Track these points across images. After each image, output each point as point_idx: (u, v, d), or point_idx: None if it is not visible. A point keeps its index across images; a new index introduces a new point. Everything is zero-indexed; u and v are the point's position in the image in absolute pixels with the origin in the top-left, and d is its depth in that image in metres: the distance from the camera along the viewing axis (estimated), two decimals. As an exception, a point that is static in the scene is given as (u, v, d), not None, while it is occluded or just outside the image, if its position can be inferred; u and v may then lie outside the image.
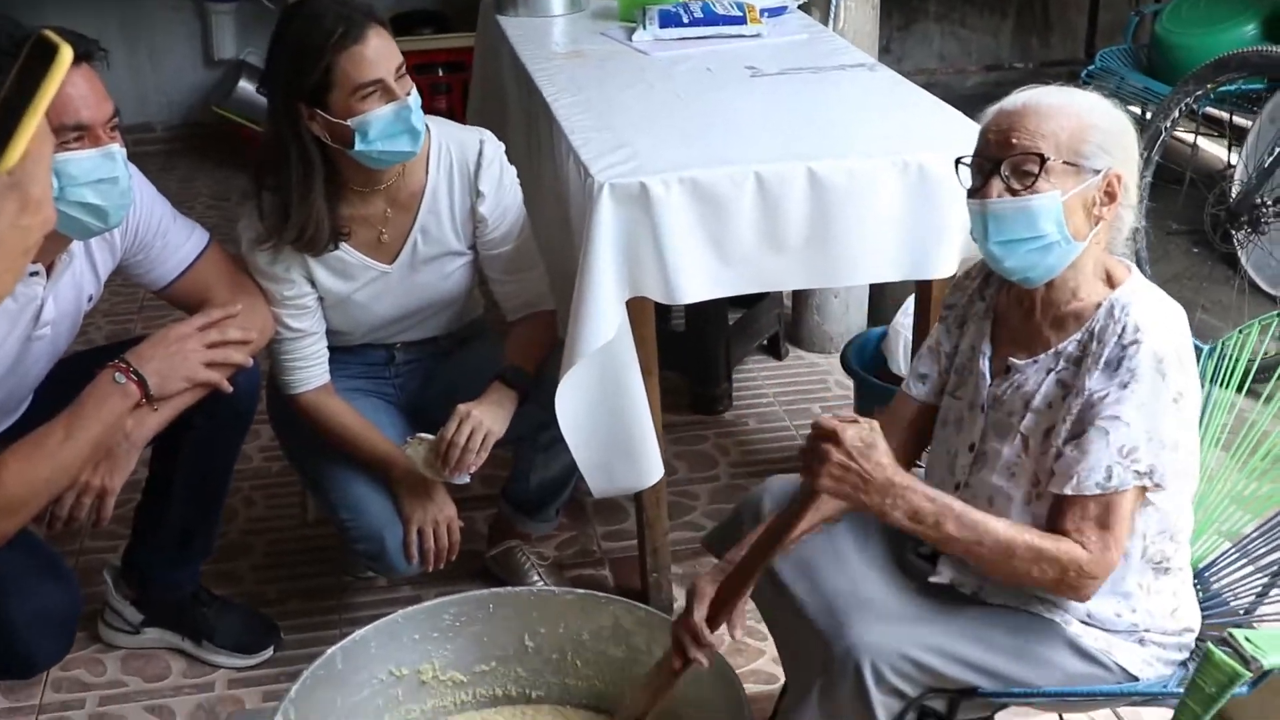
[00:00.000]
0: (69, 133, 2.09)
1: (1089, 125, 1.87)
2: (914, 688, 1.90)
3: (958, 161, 1.96)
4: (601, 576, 3.09)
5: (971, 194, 1.92)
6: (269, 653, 2.82)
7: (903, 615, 1.99)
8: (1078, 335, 1.92)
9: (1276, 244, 3.87)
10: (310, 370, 2.64)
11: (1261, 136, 4.06)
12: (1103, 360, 1.86)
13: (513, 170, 2.67)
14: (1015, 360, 1.99)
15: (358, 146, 2.42)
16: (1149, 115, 4.32)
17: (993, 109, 1.94)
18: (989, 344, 2.04)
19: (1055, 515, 1.88)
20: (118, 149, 2.17)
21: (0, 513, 2.18)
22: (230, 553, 3.15)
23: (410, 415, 2.79)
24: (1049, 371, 1.94)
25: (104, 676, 2.78)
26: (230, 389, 2.43)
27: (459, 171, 2.61)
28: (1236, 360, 2.31)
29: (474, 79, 4.00)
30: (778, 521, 1.96)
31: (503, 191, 2.63)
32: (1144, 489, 1.86)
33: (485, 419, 2.54)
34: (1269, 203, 3.64)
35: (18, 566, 2.29)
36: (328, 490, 2.66)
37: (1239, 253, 3.87)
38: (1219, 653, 1.63)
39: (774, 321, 3.99)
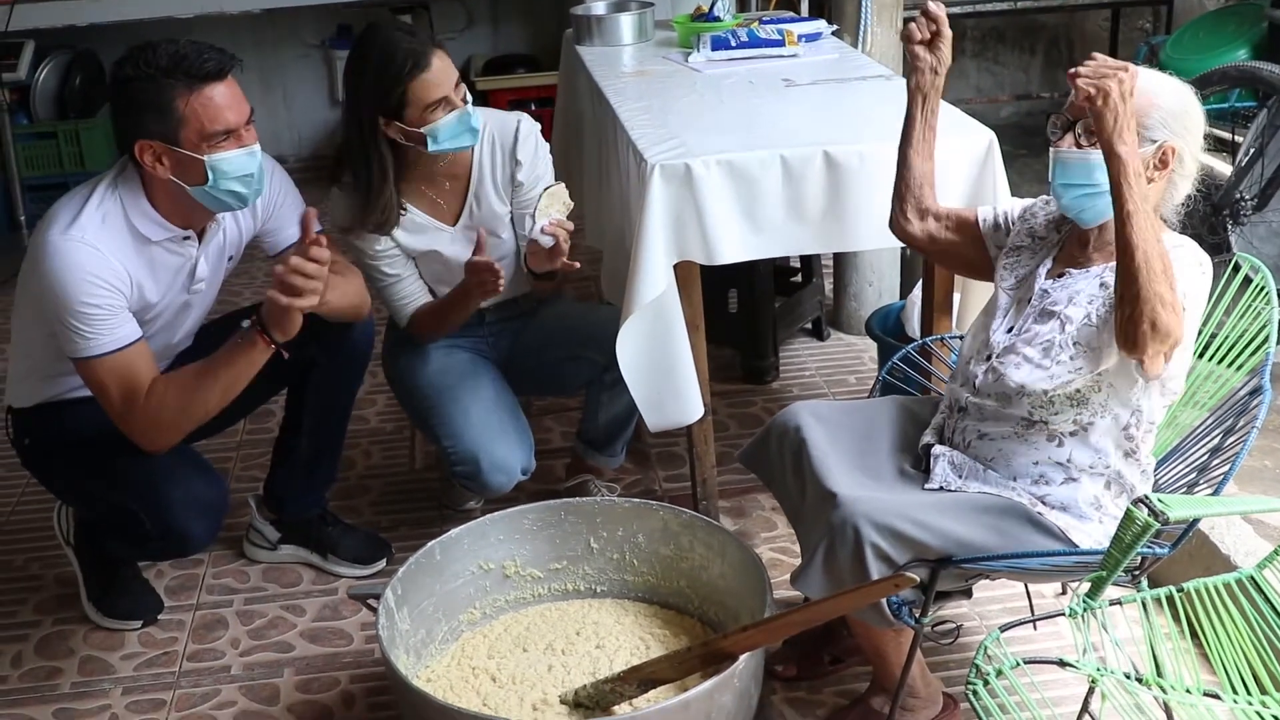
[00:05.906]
0: (219, 137, 2.40)
1: (1155, 104, 2.08)
2: (901, 555, 2.11)
3: (1049, 115, 2.21)
4: (661, 510, 3.33)
5: (1050, 143, 2.18)
6: (382, 565, 3.08)
7: (895, 498, 2.23)
8: None
9: (1254, 235, 4.03)
10: (413, 302, 2.96)
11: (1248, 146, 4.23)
12: None
13: (546, 145, 2.97)
14: (1071, 270, 2.22)
15: (430, 148, 2.75)
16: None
17: None
18: (1051, 261, 2.28)
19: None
20: (256, 146, 2.47)
21: (162, 429, 2.49)
22: (351, 492, 3.45)
23: (504, 370, 3.07)
24: (1097, 277, 2.17)
25: (248, 584, 3.09)
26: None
27: (500, 146, 2.92)
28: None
29: (557, 103, 4.28)
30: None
31: (537, 160, 2.94)
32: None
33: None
34: (1246, 197, 3.80)
35: (177, 465, 2.59)
36: (433, 423, 2.93)
37: (1231, 240, 4.01)
38: (1135, 509, 1.84)
39: (816, 307, 4.21)
